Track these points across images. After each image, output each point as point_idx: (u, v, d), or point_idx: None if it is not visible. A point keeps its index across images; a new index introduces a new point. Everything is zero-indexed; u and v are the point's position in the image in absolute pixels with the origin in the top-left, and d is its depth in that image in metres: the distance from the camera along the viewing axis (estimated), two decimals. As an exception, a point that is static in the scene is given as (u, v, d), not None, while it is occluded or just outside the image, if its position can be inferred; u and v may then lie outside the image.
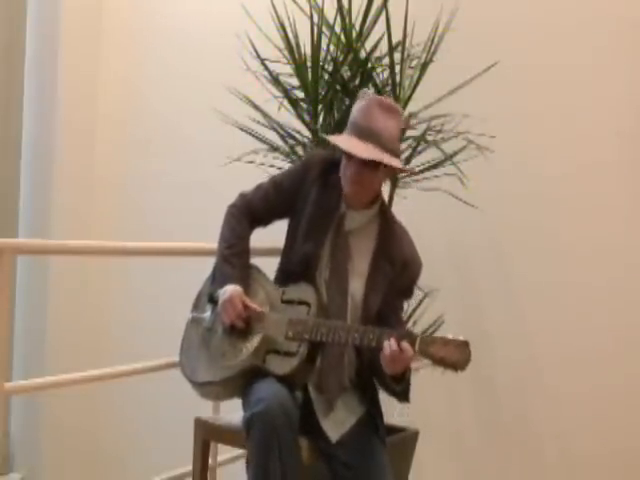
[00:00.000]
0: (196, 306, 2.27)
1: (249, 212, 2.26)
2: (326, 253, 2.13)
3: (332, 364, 2.08)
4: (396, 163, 2.08)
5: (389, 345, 1.86)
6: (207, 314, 2.20)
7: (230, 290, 2.09)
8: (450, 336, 1.84)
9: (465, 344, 1.81)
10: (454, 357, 1.81)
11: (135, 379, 2.57)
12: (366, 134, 2.04)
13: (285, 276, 2.18)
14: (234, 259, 2.17)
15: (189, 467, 2.42)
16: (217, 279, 2.17)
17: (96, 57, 4.22)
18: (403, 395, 2.02)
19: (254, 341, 2.07)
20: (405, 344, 1.85)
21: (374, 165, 2.04)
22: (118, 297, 4.16)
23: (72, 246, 2.54)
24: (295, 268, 2.15)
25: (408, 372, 1.97)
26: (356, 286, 2.11)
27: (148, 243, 2.81)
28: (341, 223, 2.15)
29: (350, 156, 2.06)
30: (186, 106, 3.91)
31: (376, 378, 2.13)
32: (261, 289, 2.18)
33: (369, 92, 2.17)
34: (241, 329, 2.09)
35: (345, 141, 2.08)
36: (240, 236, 2.22)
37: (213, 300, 2.16)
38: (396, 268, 2.13)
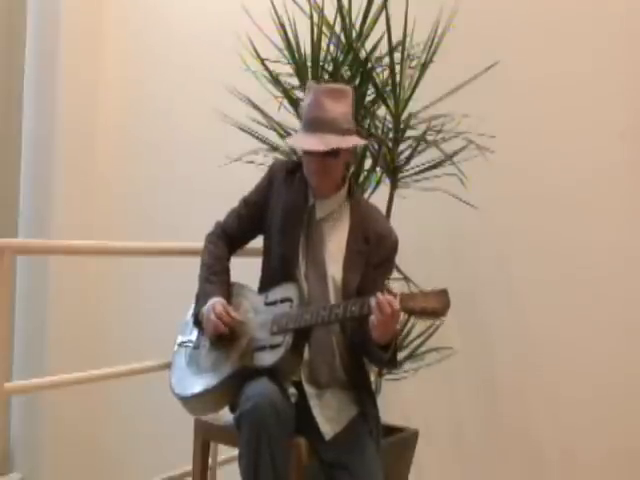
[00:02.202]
0: (183, 333, 2.30)
1: (225, 235, 2.32)
2: (301, 247, 2.17)
3: (321, 352, 2.10)
4: (353, 142, 2.15)
5: (377, 302, 1.86)
6: (193, 335, 2.25)
7: (212, 302, 2.13)
8: (429, 289, 1.88)
9: (443, 292, 1.85)
10: (434, 305, 1.84)
11: (135, 379, 2.57)
12: (319, 125, 2.10)
13: (268, 281, 2.22)
14: (213, 277, 2.22)
15: (189, 467, 2.43)
16: (200, 300, 2.20)
17: (96, 57, 4.22)
18: (392, 363, 2.07)
19: (241, 344, 2.10)
20: (390, 297, 1.87)
21: (334, 152, 2.09)
22: (118, 297, 4.16)
23: (72, 246, 2.54)
24: (275, 270, 2.19)
25: (395, 339, 2.00)
26: (335, 270, 2.15)
27: (148, 243, 2.81)
28: (312, 214, 2.19)
29: (309, 152, 2.11)
30: (186, 106, 3.91)
31: (364, 352, 2.14)
32: (245, 300, 2.22)
33: (313, 84, 2.20)
34: (228, 339, 2.11)
35: (300, 139, 2.17)
36: (217, 257, 2.27)
37: (197, 321, 2.19)
38: (371, 245, 2.17)
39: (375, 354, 2.03)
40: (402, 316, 1.93)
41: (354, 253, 2.16)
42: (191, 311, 2.27)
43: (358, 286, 2.14)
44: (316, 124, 2.11)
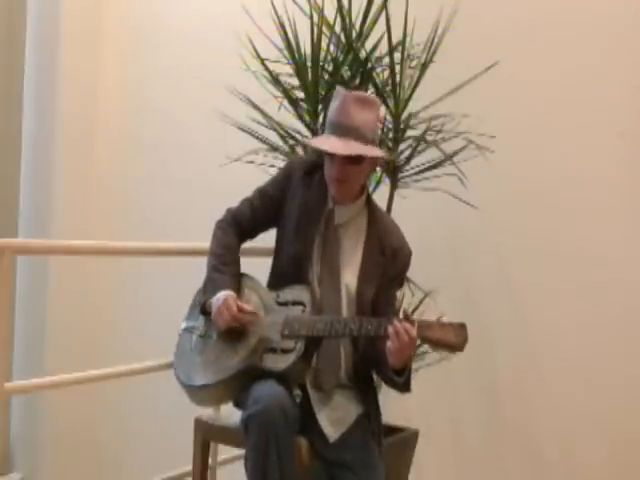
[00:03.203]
0: (188, 318, 2.28)
1: (235, 223, 2.28)
2: (316, 250, 2.15)
3: (329, 362, 2.09)
4: (378, 153, 2.13)
5: (394, 329, 1.86)
6: (199, 322, 2.21)
7: (223, 295, 2.10)
8: (445, 319, 1.87)
9: (462, 326, 1.85)
10: (451, 339, 1.84)
11: (135, 379, 2.57)
12: (344, 130, 2.07)
13: (278, 280, 2.19)
14: (223, 267, 2.18)
15: (189, 467, 2.42)
16: (208, 289, 2.17)
17: (96, 57, 4.22)
18: (405, 386, 2.04)
19: (251, 342, 2.08)
20: (407, 325, 1.86)
21: (357, 159, 2.07)
22: (118, 297, 4.16)
23: (72, 246, 2.54)
24: (287, 270, 2.16)
25: (409, 363, 1.99)
26: (349, 279, 2.13)
27: (148, 243, 2.80)
28: (330, 218, 2.17)
29: (332, 155, 2.09)
30: (186, 106, 3.91)
31: (377, 372, 2.14)
32: (254, 295, 2.19)
33: (342, 90, 2.18)
34: (236, 333, 2.09)
35: (324, 141, 2.12)
36: (227, 246, 2.24)
37: (205, 310, 2.17)
38: (387, 257, 2.15)
39: (389, 377, 2.02)
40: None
41: (370, 264, 2.14)
42: (197, 297, 2.25)
43: (372, 298, 2.12)
44: (340, 129, 2.08)
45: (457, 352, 1.86)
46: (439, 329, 1.85)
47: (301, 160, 2.30)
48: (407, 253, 2.20)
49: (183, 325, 2.28)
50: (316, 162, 2.22)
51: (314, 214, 2.17)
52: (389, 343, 1.89)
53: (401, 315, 1.90)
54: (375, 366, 2.12)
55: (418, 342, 1.93)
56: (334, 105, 2.13)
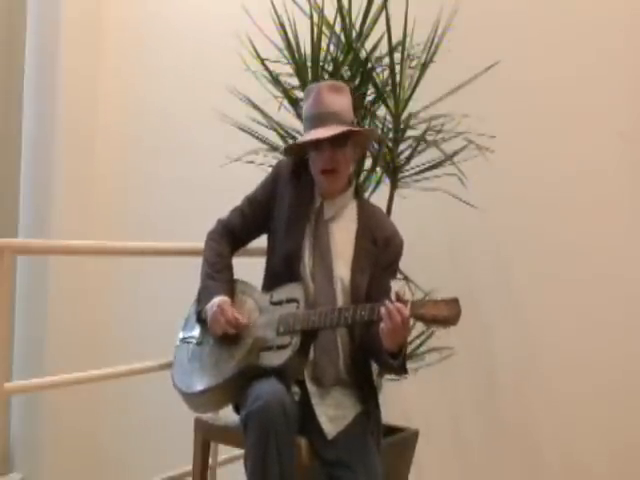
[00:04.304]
0: (184, 328, 2.29)
1: (227, 232, 2.30)
2: (307, 246, 2.16)
3: (326, 354, 2.09)
4: (361, 129, 2.18)
5: (387, 310, 1.86)
6: (196, 332, 2.23)
7: (218, 301, 2.12)
8: (439, 297, 1.88)
9: (454, 301, 1.84)
10: (445, 313, 1.84)
11: (135, 379, 2.57)
12: (323, 119, 2.12)
13: (272, 280, 2.20)
14: (217, 275, 2.21)
15: (189, 467, 2.43)
16: (203, 297, 2.19)
17: (96, 57, 4.22)
18: (401, 369, 2.04)
19: (247, 343, 2.09)
20: (400, 304, 1.86)
21: (342, 142, 2.11)
22: (118, 297, 4.16)
23: (72, 246, 2.54)
24: (279, 269, 2.18)
25: (404, 345, 1.99)
26: (342, 270, 2.14)
27: (148, 243, 2.80)
28: (320, 214, 2.19)
29: (317, 146, 2.12)
30: (186, 106, 3.91)
31: (373, 357, 2.14)
32: (248, 298, 2.20)
33: (312, 85, 2.23)
34: (233, 337, 2.10)
35: (306, 136, 2.17)
36: (220, 254, 2.26)
37: (201, 318, 2.18)
38: (379, 246, 2.17)
39: (384, 360, 2.02)
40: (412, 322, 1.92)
41: (362, 254, 2.15)
42: (192, 307, 2.26)
43: (366, 289, 2.13)
44: (320, 119, 2.12)
45: (451, 326, 1.85)
46: (432, 306, 1.85)
47: (287, 161, 2.33)
48: (399, 242, 2.22)
49: (180, 336, 2.29)
50: (301, 162, 2.25)
51: (303, 212, 2.19)
52: (382, 324, 1.88)
53: (394, 297, 1.90)
54: (372, 354, 2.12)
55: (412, 322, 1.93)
56: (309, 101, 2.17)
